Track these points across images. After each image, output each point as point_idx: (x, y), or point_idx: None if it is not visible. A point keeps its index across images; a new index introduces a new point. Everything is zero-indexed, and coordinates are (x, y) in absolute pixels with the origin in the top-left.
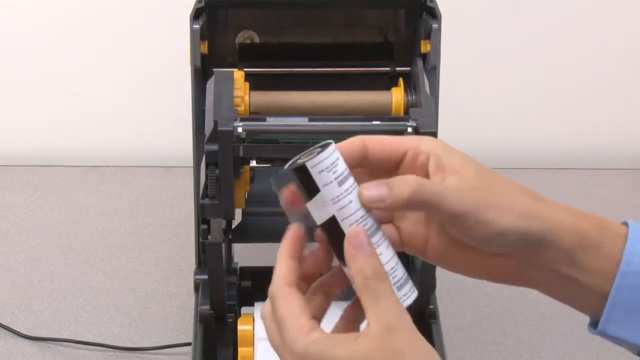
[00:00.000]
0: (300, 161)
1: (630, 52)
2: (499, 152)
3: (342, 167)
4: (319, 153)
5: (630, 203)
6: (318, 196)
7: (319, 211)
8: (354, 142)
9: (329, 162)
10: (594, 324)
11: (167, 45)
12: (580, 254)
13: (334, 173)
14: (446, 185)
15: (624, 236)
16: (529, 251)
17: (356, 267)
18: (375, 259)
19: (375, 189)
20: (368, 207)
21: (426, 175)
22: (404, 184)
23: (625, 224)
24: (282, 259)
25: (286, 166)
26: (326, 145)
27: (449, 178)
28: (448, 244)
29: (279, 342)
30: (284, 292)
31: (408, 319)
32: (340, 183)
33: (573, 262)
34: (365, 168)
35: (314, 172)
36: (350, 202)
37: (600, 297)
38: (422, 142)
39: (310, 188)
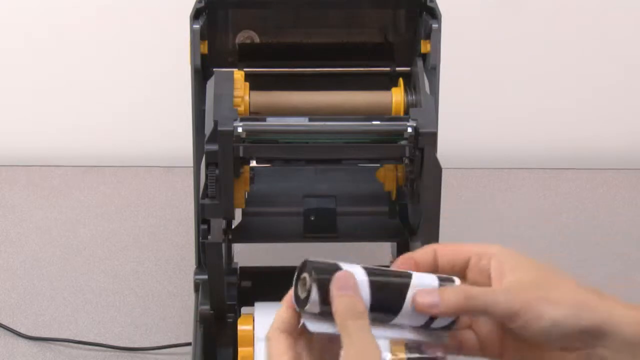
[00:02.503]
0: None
1: (631, 52)
2: (499, 152)
3: None
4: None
5: (630, 203)
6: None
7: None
8: (427, 251)
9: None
10: None
11: (167, 45)
12: None
13: None
14: (495, 289)
15: None
16: (588, 343)
17: (337, 306)
18: (354, 298)
19: (429, 297)
20: (423, 312)
21: (489, 278)
22: (452, 294)
23: None
24: (285, 304)
25: (306, 280)
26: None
27: (506, 279)
28: (523, 346)
29: None
30: (275, 335)
31: (378, 353)
32: None
33: (638, 356)
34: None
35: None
36: None
37: None
38: (488, 248)
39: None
